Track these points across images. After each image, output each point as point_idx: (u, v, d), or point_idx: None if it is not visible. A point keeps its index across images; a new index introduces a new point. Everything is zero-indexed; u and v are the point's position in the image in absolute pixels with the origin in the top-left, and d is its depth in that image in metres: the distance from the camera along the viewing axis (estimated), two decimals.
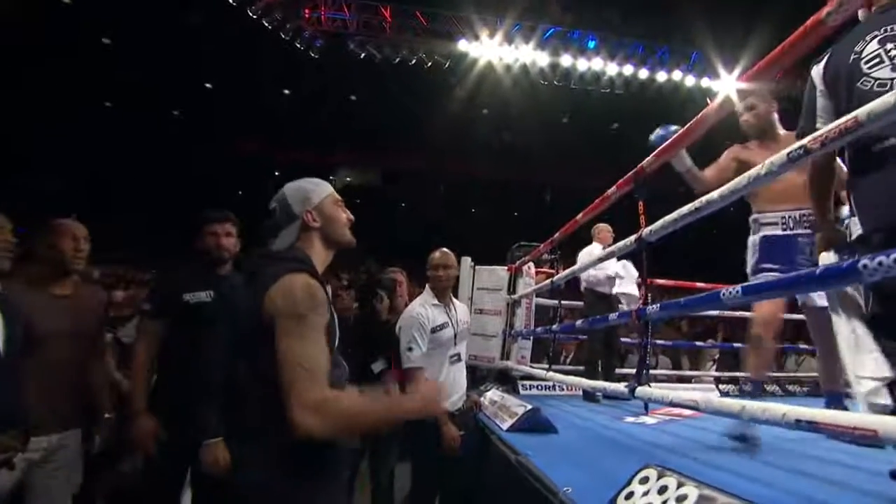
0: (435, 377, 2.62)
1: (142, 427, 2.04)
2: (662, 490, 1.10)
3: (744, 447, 2.07)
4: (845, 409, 2.18)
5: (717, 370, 5.42)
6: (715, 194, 1.78)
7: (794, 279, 1.33)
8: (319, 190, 1.39)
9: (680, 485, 1.08)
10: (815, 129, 1.38)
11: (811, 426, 1.22)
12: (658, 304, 2.02)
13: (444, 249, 2.81)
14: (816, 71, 1.58)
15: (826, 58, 1.57)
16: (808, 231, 2.35)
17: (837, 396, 2.35)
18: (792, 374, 5.03)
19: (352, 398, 1.18)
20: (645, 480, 1.18)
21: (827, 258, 1.63)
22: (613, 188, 2.60)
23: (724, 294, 1.58)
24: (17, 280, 1.98)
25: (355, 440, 1.41)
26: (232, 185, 13.19)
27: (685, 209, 1.95)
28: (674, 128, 2.33)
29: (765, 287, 1.46)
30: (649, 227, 2.16)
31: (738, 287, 1.54)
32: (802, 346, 5.28)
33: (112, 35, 9.88)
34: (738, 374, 4.46)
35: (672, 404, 1.80)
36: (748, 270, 2.52)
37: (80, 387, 2.12)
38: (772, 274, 2.31)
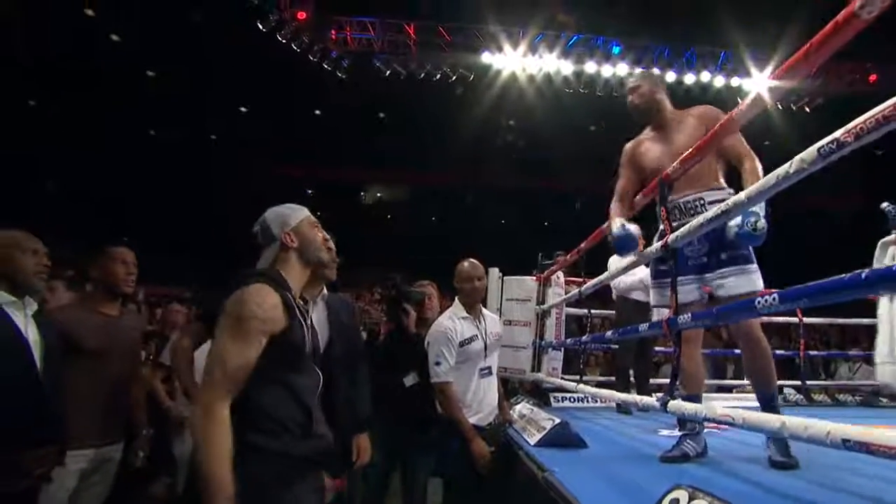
0: (464, 391, 2.59)
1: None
2: None
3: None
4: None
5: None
6: (742, 195, 1.69)
7: (839, 283, 1.23)
8: (296, 214, 1.52)
9: None
10: None
11: (861, 447, 1.12)
12: (690, 314, 1.93)
13: (473, 260, 2.80)
14: None
15: None
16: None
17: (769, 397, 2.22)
18: (844, 383, 4.73)
19: (221, 435, 1.18)
20: (675, 502, 1.11)
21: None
22: (639, 196, 2.53)
23: (759, 303, 1.49)
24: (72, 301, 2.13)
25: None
26: (266, 206, 13.54)
27: (710, 213, 1.86)
28: (629, 227, 2.34)
29: (804, 293, 1.36)
30: (675, 234, 2.07)
31: (775, 294, 1.45)
32: (852, 352, 4.97)
33: (155, 67, 10.39)
34: (782, 382, 4.22)
35: (707, 419, 1.70)
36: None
37: (124, 402, 2.25)
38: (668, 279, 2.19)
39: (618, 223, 2.33)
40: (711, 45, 8.76)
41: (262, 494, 1.24)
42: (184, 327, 2.47)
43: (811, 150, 1.39)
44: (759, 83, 8.87)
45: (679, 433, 2.59)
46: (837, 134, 1.31)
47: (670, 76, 8.94)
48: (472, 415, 2.58)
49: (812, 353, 4.24)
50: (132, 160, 11.42)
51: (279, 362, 1.31)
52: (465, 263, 2.75)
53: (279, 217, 1.50)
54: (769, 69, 8.15)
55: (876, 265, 1.66)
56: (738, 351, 5.10)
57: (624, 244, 2.32)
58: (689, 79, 8.99)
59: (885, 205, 1.78)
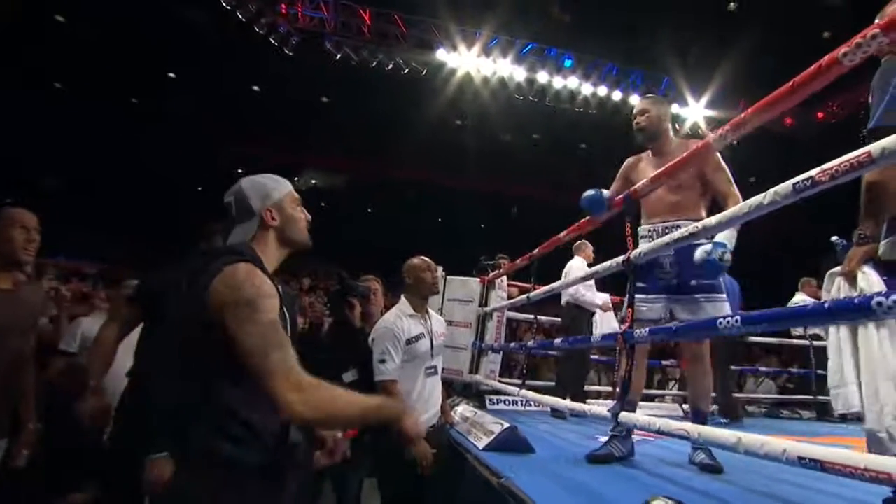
0: (409, 391, 2.52)
1: (94, 401, 1.88)
2: None
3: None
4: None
5: (678, 390, 5.54)
6: (713, 220, 1.77)
7: (801, 311, 1.32)
8: (280, 187, 1.35)
9: None
10: None
11: (816, 465, 1.20)
12: (647, 329, 2.00)
13: (422, 256, 2.73)
14: None
15: None
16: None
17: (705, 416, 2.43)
18: (751, 396, 5.22)
19: (330, 386, 1.12)
20: None
21: (868, 276, 1.61)
22: (564, 233, 2.64)
23: (720, 323, 1.56)
24: None
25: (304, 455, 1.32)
26: (190, 179, 12.66)
27: (677, 234, 1.94)
28: (606, 193, 2.54)
29: (766, 318, 1.44)
30: (639, 250, 2.15)
31: (738, 316, 1.53)
32: (762, 368, 5.51)
33: (65, 12, 9.27)
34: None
35: (660, 432, 1.77)
36: None
37: (13, 389, 1.95)
38: (640, 295, 2.33)
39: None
40: (654, 69, 9.28)
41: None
42: (112, 311, 2.15)
43: (786, 185, 1.47)
44: (694, 112, 9.55)
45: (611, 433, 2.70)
46: (813, 172, 1.39)
47: (616, 95, 9.38)
48: (419, 415, 2.52)
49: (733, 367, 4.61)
50: (32, 114, 10.14)
51: None
52: (415, 258, 2.70)
53: (260, 189, 1.31)
54: (704, 99, 8.81)
55: (824, 295, 1.78)
56: (664, 362, 5.50)
57: (591, 203, 2.46)
58: (634, 100, 9.48)
59: (834, 238, 1.93)
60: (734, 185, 2.31)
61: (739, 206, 1.62)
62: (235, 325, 1.07)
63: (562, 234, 2.96)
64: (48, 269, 3.79)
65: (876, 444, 1.45)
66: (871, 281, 1.82)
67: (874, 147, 1.22)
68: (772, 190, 1.51)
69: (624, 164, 2.67)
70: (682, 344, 2.45)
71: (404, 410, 1.29)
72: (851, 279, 1.84)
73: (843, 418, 4.23)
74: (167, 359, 1.45)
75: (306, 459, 1.79)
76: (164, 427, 1.63)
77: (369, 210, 14.69)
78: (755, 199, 1.55)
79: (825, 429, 4.12)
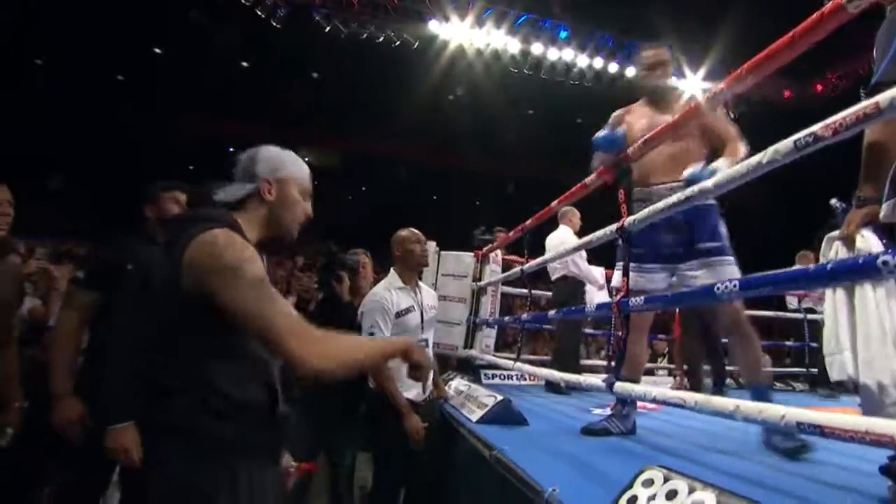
0: (399, 365, 2.49)
1: (65, 411, 1.77)
2: (672, 495, 1.01)
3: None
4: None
5: (668, 363, 5.56)
6: (709, 183, 1.71)
7: (803, 273, 1.27)
8: (295, 169, 1.25)
9: (692, 489, 0.99)
10: None
11: (815, 430, 1.16)
12: (643, 298, 1.95)
13: (412, 228, 2.68)
14: None
15: None
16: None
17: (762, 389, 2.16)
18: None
19: (334, 334, 1.09)
20: (649, 483, 1.09)
21: (867, 239, 1.55)
22: (594, 175, 2.51)
23: (718, 288, 1.51)
24: None
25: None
26: (181, 158, 12.46)
27: (673, 199, 1.88)
28: (621, 132, 2.31)
29: (767, 280, 1.39)
30: (633, 217, 2.08)
31: (735, 281, 1.48)
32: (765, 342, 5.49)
33: None
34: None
35: (656, 401, 1.74)
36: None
37: None
38: (638, 264, 2.20)
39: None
40: (651, 40, 9.04)
41: (216, 498, 1.02)
42: (68, 296, 1.96)
43: (787, 142, 1.40)
44: (692, 84, 9.39)
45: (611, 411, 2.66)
46: (815, 128, 1.32)
47: (612, 67, 9.19)
48: (408, 389, 2.46)
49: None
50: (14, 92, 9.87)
51: (241, 330, 1.07)
52: (404, 231, 2.65)
53: (273, 159, 1.22)
54: (702, 71, 8.65)
55: (822, 261, 1.72)
56: (661, 336, 5.49)
57: (607, 142, 2.26)
58: (631, 72, 9.29)
59: (833, 201, 1.87)
60: (732, 124, 2.21)
61: (737, 168, 1.55)
62: (223, 292, 1.00)
63: (554, 203, 2.89)
64: (37, 250, 3.68)
65: (870, 403, 1.41)
66: (870, 244, 1.77)
67: (882, 97, 1.15)
68: (772, 148, 1.44)
69: (611, 117, 2.47)
70: (717, 313, 2.28)
71: (407, 343, 1.23)
72: (850, 243, 1.78)
73: (839, 385, 4.24)
74: (140, 332, 1.39)
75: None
76: (126, 397, 1.59)
77: (363, 188, 14.52)
78: (754, 159, 1.49)
79: (817, 401, 4.14)
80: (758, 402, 1.34)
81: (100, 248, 2.03)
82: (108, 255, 1.96)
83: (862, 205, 1.66)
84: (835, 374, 1.42)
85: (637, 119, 2.39)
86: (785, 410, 1.25)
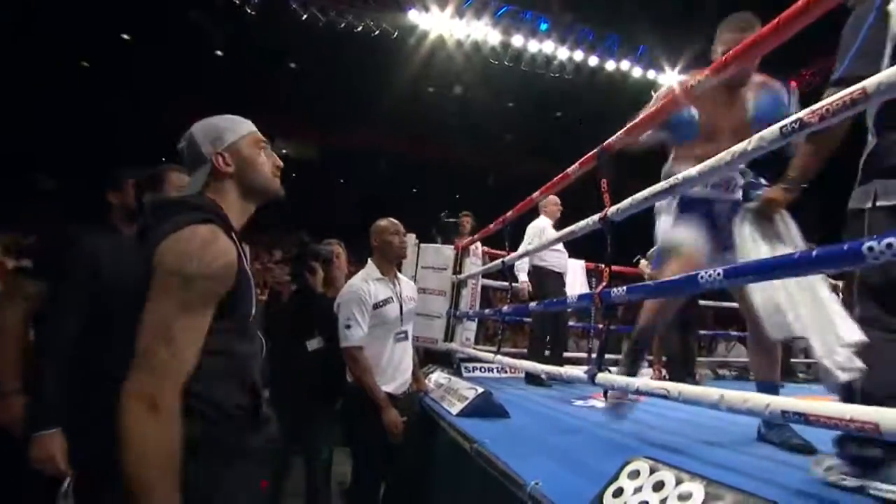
0: (378, 357, 2.43)
1: (10, 409, 1.64)
2: (658, 486, 0.98)
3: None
4: None
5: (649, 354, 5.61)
6: (693, 171, 1.69)
7: (788, 260, 1.25)
8: (235, 127, 1.16)
9: (679, 481, 0.96)
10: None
11: (800, 418, 1.15)
12: (625, 288, 1.93)
13: (391, 218, 2.63)
14: None
15: None
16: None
17: (772, 386, 2.09)
18: (722, 359, 5.30)
19: (176, 438, 0.90)
20: (635, 475, 1.06)
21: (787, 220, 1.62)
22: (576, 165, 2.48)
23: (702, 277, 1.49)
24: None
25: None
26: (153, 148, 12.10)
27: (658, 187, 1.86)
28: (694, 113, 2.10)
29: (751, 269, 1.37)
30: (616, 206, 2.06)
31: (720, 269, 1.46)
32: (733, 332, 5.59)
33: None
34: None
35: (639, 392, 1.72)
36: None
37: None
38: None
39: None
40: (632, 35, 9.09)
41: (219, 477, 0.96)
42: (10, 288, 1.79)
43: (773, 129, 1.39)
44: (671, 79, 9.47)
45: (592, 403, 2.66)
46: (802, 114, 1.31)
47: (592, 60, 9.20)
48: (388, 382, 2.44)
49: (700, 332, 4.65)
50: None
51: (223, 327, 1.00)
52: (383, 221, 2.60)
53: (211, 131, 1.13)
54: (681, 65, 8.72)
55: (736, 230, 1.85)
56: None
57: (680, 127, 2.06)
58: (610, 65, 9.32)
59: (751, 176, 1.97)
60: None
61: (722, 155, 1.53)
62: (154, 293, 0.92)
63: (535, 195, 2.86)
64: None
65: (825, 375, 1.43)
66: (789, 226, 1.85)
67: (869, 82, 1.14)
68: (756, 135, 1.43)
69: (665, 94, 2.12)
70: (744, 312, 2.17)
71: None
72: (766, 219, 1.86)
73: (805, 372, 4.33)
74: (102, 327, 1.30)
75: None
76: (56, 401, 1.50)
77: (341, 180, 14.34)
78: (740, 146, 1.47)
79: (791, 389, 4.22)
80: (740, 392, 1.32)
81: (49, 237, 1.88)
82: (57, 243, 1.80)
83: (790, 188, 1.72)
84: (776, 334, 1.46)
85: (716, 98, 2.11)
86: (769, 399, 1.24)
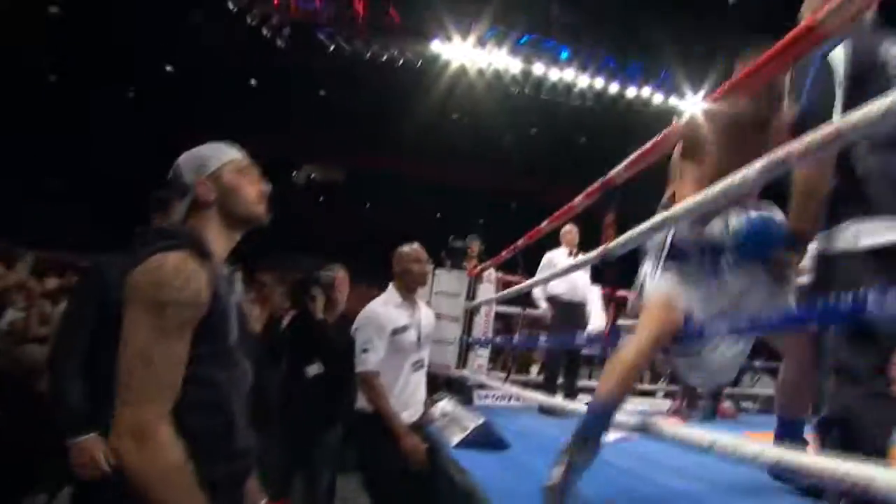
0: (392, 384, 2.38)
1: None
2: None
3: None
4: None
5: (668, 384, 5.45)
6: (679, 209, 1.67)
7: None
8: (218, 155, 1.16)
9: None
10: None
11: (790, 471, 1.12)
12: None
13: (415, 244, 2.61)
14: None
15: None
16: None
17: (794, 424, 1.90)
18: (748, 392, 5.11)
19: (184, 464, 0.92)
20: None
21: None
22: (580, 197, 2.50)
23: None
24: None
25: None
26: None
27: (648, 223, 1.84)
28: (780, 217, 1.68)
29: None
30: (616, 241, 2.06)
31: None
32: (758, 363, 5.37)
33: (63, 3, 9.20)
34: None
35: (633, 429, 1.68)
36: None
37: None
38: None
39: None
40: (654, 61, 9.09)
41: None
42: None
43: (752, 170, 1.38)
44: (692, 104, 9.41)
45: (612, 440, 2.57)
46: (781, 154, 1.31)
47: (613, 87, 9.22)
48: (400, 410, 2.38)
49: None
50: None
51: (197, 355, 1.00)
52: (407, 247, 2.57)
53: (194, 160, 1.14)
54: (703, 91, 8.65)
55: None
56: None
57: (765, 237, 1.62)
58: (632, 92, 9.32)
59: None
60: None
61: (706, 193, 1.53)
62: (128, 322, 0.94)
63: (543, 224, 2.87)
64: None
65: None
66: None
67: (844, 122, 1.13)
68: (739, 175, 1.42)
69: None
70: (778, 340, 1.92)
71: None
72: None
73: None
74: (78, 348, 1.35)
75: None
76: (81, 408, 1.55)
77: (367, 205, 14.59)
78: (726, 182, 1.46)
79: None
80: (732, 438, 1.27)
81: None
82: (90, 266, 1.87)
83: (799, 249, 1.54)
84: None
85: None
86: (759, 450, 1.19)
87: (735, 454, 1.22)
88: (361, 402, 2.38)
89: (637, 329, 1.63)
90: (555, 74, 9.12)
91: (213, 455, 1.01)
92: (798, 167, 1.26)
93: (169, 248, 1.00)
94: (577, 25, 8.65)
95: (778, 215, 1.63)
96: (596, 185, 2.29)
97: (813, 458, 1.08)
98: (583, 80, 9.20)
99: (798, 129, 1.30)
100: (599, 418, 1.59)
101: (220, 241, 1.12)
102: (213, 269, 1.05)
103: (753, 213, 1.62)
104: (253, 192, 1.16)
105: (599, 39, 8.94)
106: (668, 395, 5.23)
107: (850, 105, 1.34)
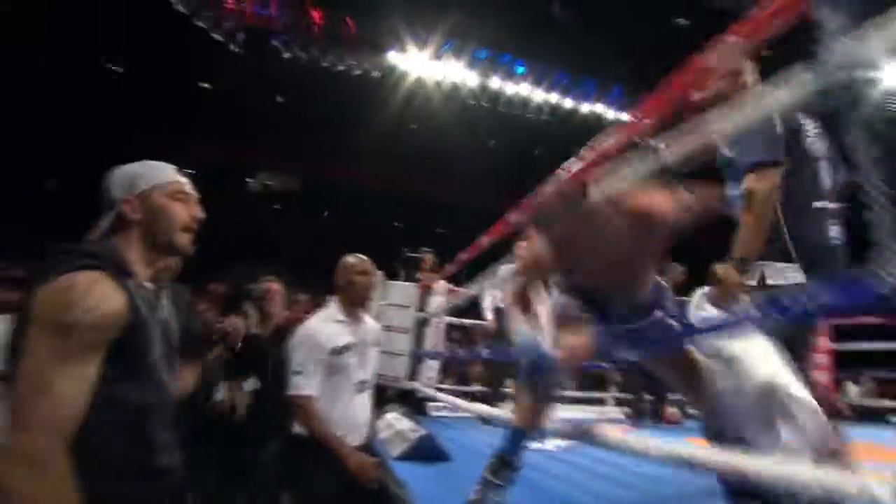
0: (331, 408, 2.11)
1: None
2: None
3: None
4: None
5: (619, 392, 5.60)
6: None
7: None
8: (151, 174, 1.13)
9: None
10: None
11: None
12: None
13: (359, 255, 2.34)
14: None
15: None
16: None
17: None
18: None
19: (72, 496, 0.88)
20: None
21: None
22: (514, 214, 2.56)
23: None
24: None
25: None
26: None
27: None
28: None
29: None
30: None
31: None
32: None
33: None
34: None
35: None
36: None
37: None
38: None
39: None
40: (606, 77, 9.42)
41: None
42: None
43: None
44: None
45: (546, 445, 2.61)
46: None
47: (567, 102, 9.51)
48: (344, 435, 2.08)
49: None
50: None
51: (112, 375, 0.96)
52: (351, 257, 2.31)
53: (125, 176, 1.11)
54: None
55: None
56: (604, 364, 5.53)
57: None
58: (585, 108, 9.62)
59: None
60: None
61: None
62: (29, 344, 0.91)
63: (483, 240, 2.92)
64: None
65: None
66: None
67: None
68: None
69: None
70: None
71: None
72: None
73: None
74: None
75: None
76: None
77: (324, 213, 14.41)
78: None
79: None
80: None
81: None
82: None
83: (741, 268, 1.58)
84: None
85: None
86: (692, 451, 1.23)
87: (669, 457, 1.25)
88: (296, 423, 2.14)
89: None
90: (511, 88, 9.35)
91: (128, 475, 0.98)
92: None
93: (82, 268, 0.96)
94: (531, 41, 8.86)
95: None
96: (531, 204, 2.33)
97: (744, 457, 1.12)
98: (538, 95, 9.45)
99: (759, 167, 1.53)
100: (515, 440, 1.64)
101: (141, 261, 1.09)
102: (131, 288, 1.02)
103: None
104: (180, 219, 1.13)
105: (554, 56, 9.19)
106: (619, 402, 5.37)
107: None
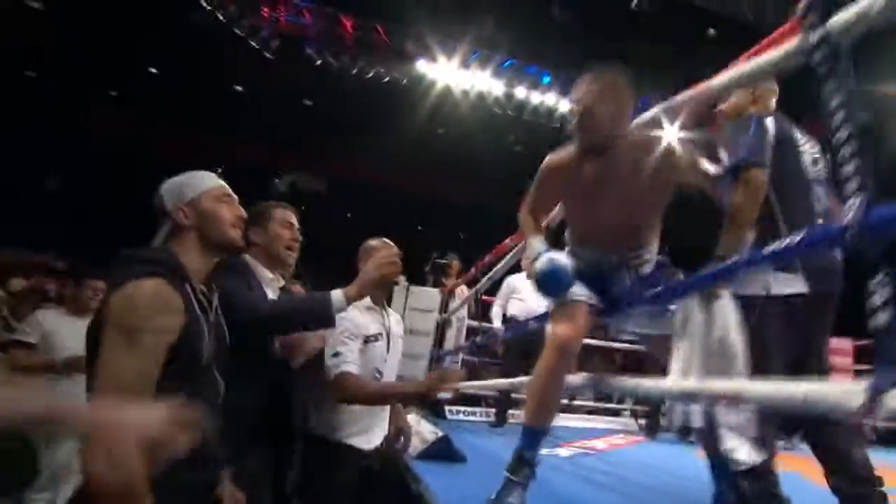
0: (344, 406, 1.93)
1: None
2: None
3: None
4: None
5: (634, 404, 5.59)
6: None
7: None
8: (196, 183, 1.28)
9: None
10: None
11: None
12: None
13: (385, 239, 2.25)
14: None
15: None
16: None
17: None
18: None
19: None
20: None
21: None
22: (509, 240, 2.67)
23: None
24: None
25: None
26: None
27: None
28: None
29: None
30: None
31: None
32: None
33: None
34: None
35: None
36: None
37: None
38: None
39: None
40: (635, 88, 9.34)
41: None
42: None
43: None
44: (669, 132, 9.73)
45: (556, 451, 2.69)
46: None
47: None
48: (359, 434, 1.98)
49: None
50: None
51: (170, 373, 1.08)
52: (374, 240, 2.23)
53: (173, 188, 1.26)
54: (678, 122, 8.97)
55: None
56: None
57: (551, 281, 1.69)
58: None
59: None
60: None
61: None
62: (103, 348, 1.04)
63: (486, 258, 3.00)
64: None
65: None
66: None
67: None
68: None
69: (544, 167, 1.95)
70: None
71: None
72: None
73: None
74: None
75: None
76: None
77: (349, 215, 14.64)
78: None
79: None
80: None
81: None
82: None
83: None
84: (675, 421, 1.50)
85: (583, 171, 1.98)
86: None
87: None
88: (313, 422, 1.99)
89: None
90: (536, 98, 9.42)
91: (183, 464, 1.04)
92: None
93: (145, 275, 1.09)
94: (557, 51, 8.91)
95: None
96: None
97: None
98: (564, 105, 9.48)
99: (749, 168, 1.58)
100: (530, 438, 1.63)
101: (197, 263, 1.22)
102: (188, 292, 1.15)
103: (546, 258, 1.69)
104: (229, 218, 1.27)
105: (578, 67, 9.18)
106: (634, 414, 5.37)
107: (776, 158, 1.64)
